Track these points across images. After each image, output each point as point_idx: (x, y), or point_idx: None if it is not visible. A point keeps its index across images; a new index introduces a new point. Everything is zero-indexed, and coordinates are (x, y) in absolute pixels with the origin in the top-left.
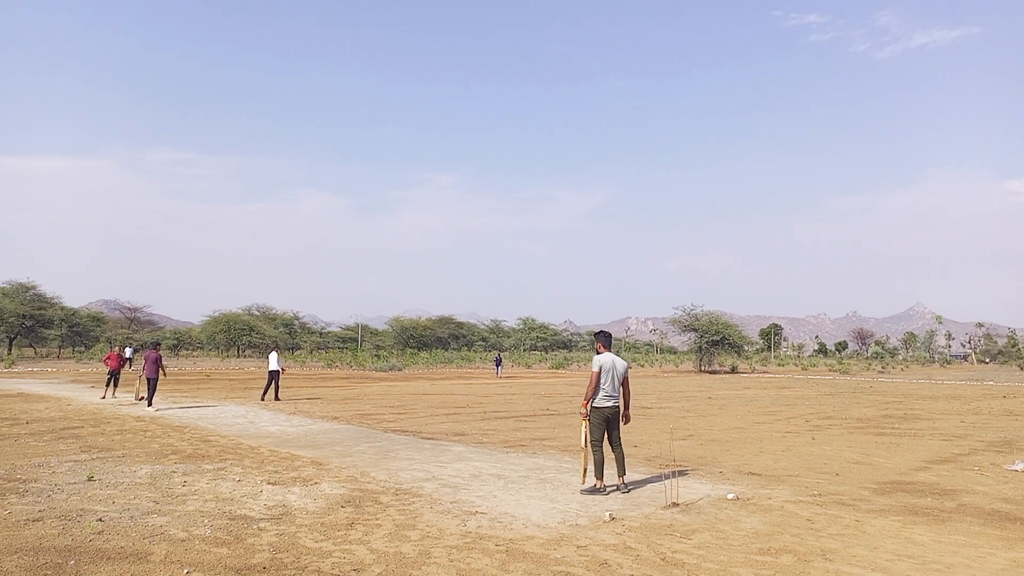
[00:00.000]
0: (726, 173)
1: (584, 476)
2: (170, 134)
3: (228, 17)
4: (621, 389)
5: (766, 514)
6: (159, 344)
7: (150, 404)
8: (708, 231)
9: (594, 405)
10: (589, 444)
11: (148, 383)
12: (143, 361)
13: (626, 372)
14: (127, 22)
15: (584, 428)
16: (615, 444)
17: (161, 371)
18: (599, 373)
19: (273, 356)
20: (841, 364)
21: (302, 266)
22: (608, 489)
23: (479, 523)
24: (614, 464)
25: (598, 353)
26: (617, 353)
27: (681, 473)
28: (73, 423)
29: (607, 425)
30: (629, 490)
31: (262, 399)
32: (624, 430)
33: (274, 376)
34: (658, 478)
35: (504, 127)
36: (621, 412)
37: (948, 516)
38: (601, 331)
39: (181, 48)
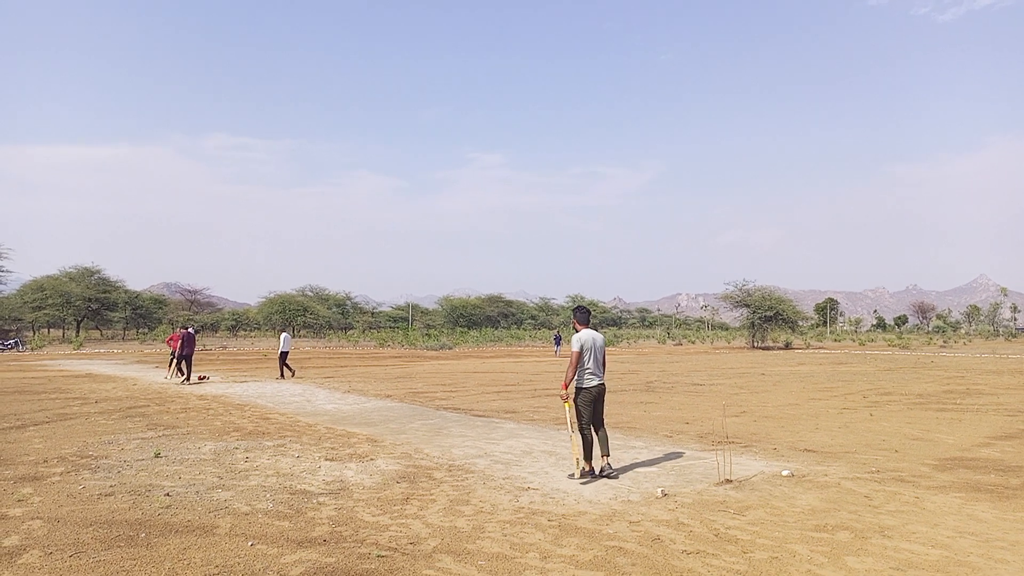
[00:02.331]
0: (780, 144)
1: (579, 465)
2: (226, 120)
3: (276, 9)
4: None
5: (822, 491)
6: (187, 326)
7: (187, 380)
8: (761, 205)
9: (581, 386)
10: (577, 428)
11: (181, 361)
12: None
13: (603, 348)
14: (180, 13)
15: (569, 412)
16: (600, 424)
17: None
18: (580, 353)
19: (284, 337)
20: (901, 339)
21: (354, 247)
22: (598, 473)
23: (531, 499)
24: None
25: (575, 331)
26: (596, 328)
27: (734, 450)
28: (139, 402)
29: (594, 405)
30: (613, 469)
31: (281, 377)
32: (675, 407)
33: (283, 356)
34: (710, 454)
35: (551, 104)
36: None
37: (1013, 493)
38: (578, 307)
39: (233, 36)
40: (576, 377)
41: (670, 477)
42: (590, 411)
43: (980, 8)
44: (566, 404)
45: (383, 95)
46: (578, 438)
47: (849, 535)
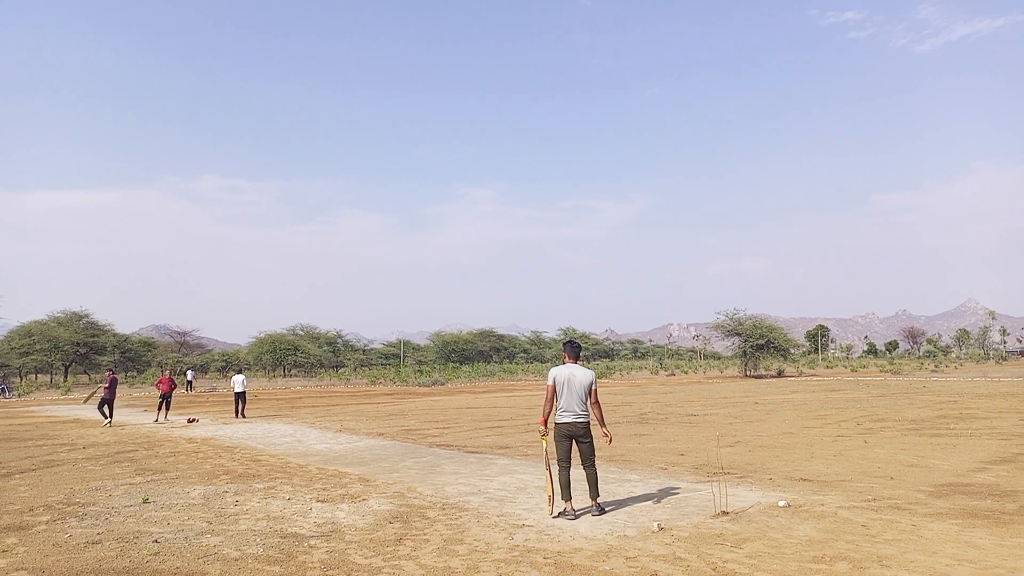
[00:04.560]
0: (767, 175)
1: (551, 502)
2: (217, 162)
3: (264, 47)
4: (589, 402)
5: (819, 521)
6: (113, 370)
7: (108, 420)
8: (750, 234)
9: (554, 421)
10: (551, 464)
11: (102, 403)
12: (106, 384)
13: (591, 384)
14: (169, 57)
15: (544, 447)
16: (586, 463)
17: (110, 394)
18: (552, 387)
19: (239, 378)
20: (892, 364)
21: (345, 285)
22: (580, 512)
23: (526, 536)
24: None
25: (564, 364)
26: (586, 362)
27: (729, 481)
28: (127, 447)
29: (571, 442)
30: (603, 512)
31: (236, 416)
32: (669, 438)
33: (240, 396)
34: (706, 486)
35: (539, 139)
36: (585, 428)
37: (1010, 518)
38: (569, 341)
39: (224, 79)
40: (550, 412)
41: (666, 510)
42: (564, 447)
43: (957, 39)
44: (543, 440)
45: (374, 133)
46: (551, 474)
47: (847, 565)
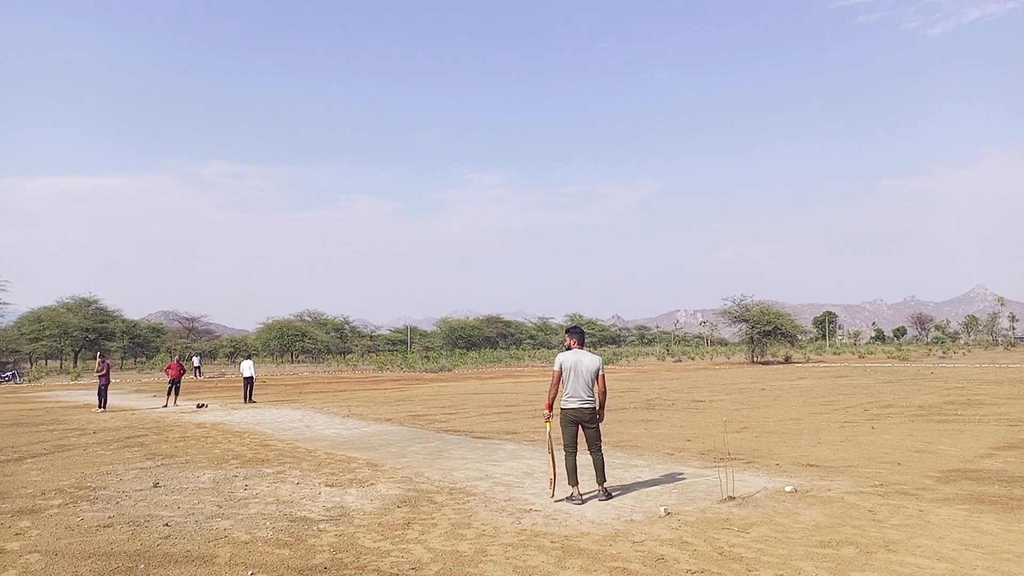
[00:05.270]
0: (775, 160)
1: (552, 486)
2: (225, 148)
3: (272, 36)
4: (596, 388)
5: (826, 506)
6: (104, 355)
7: (102, 407)
8: (757, 220)
9: (561, 407)
10: (555, 449)
11: (99, 389)
12: (103, 368)
13: (598, 370)
14: (176, 46)
15: (548, 431)
16: (592, 448)
17: (105, 377)
18: (560, 372)
19: (247, 363)
20: (900, 351)
21: (351, 271)
22: (586, 497)
23: (534, 520)
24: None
25: (567, 349)
26: (593, 348)
27: (736, 466)
28: (137, 431)
29: (578, 427)
30: (610, 497)
31: (244, 402)
32: (676, 424)
33: (249, 381)
34: (713, 471)
35: (547, 125)
36: (592, 413)
37: (1018, 504)
38: (573, 326)
39: (231, 68)
40: (556, 397)
41: (673, 495)
42: (570, 433)
43: (968, 22)
44: (547, 423)
45: (380, 119)
46: (557, 459)
47: (854, 550)
